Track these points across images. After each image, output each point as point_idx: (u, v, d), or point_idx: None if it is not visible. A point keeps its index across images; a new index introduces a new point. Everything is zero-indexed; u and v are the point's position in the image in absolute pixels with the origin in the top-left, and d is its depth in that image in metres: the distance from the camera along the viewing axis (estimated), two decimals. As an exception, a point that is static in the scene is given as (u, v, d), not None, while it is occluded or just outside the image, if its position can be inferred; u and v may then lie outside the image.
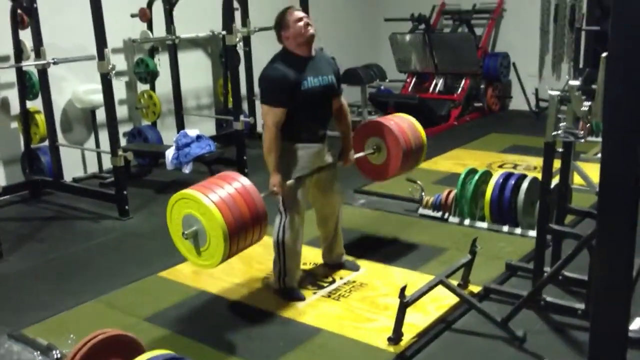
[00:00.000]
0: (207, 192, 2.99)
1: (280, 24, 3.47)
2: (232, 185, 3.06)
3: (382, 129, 3.94)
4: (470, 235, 3.98)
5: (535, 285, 3.28)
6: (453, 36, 8.63)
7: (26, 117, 5.64)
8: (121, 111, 6.37)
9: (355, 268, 3.96)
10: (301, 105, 3.41)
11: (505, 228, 4.45)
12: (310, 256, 4.06)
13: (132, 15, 6.37)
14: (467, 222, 4.61)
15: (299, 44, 3.43)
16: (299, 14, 3.46)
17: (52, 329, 3.43)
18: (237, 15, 6.57)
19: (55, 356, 3.09)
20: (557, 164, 3.33)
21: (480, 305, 3.25)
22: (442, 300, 3.45)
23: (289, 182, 3.44)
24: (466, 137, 7.27)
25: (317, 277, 3.88)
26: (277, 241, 3.58)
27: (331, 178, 3.72)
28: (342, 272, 3.92)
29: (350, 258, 4.05)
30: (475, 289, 3.62)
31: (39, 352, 3.15)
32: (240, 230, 2.99)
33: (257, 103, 7.31)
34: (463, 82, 8.30)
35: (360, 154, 3.95)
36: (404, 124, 4.00)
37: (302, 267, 3.90)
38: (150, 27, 6.45)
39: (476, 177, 4.57)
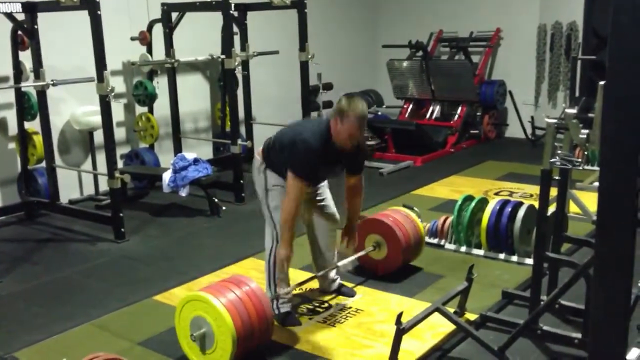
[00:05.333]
0: (218, 296, 3.06)
1: (341, 113, 3.24)
2: (241, 290, 3.14)
3: (381, 226, 4.14)
4: (467, 262, 3.97)
5: (531, 314, 3.27)
6: (450, 63, 8.71)
7: (24, 138, 5.65)
8: (119, 133, 6.38)
9: (352, 294, 3.94)
10: None
11: (502, 255, 4.44)
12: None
13: (132, 39, 6.42)
14: (463, 249, 4.61)
15: (338, 142, 3.32)
16: (355, 130, 3.23)
17: (45, 353, 3.39)
18: (237, 39, 6.63)
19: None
20: (553, 192, 3.34)
21: (476, 333, 3.23)
22: (438, 328, 3.43)
23: (289, 288, 3.57)
24: (463, 164, 7.29)
25: (312, 303, 3.86)
26: (268, 267, 3.59)
27: (324, 204, 3.71)
28: (338, 298, 3.90)
29: (346, 284, 4.03)
30: (471, 316, 3.60)
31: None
32: (248, 335, 3.07)
33: (255, 127, 7.38)
34: (460, 109, 8.36)
35: (361, 253, 4.12)
36: (403, 220, 4.20)
37: (298, 291, 3.88)
38: (149, 50, 6.50)
39: (473, 204, 4.57)
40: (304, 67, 6.48)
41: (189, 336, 3.13)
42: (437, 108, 8.59)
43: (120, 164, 6.38)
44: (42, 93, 5.41)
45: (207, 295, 3.08)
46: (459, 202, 4.63)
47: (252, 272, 4.29)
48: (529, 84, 8.50)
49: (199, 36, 6.94)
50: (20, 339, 3.53)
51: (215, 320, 3.04)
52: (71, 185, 6.19)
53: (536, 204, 3.42)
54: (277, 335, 3.44)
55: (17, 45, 5.46)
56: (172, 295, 4.03)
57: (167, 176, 5.73)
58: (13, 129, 5.75)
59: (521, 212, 4.36)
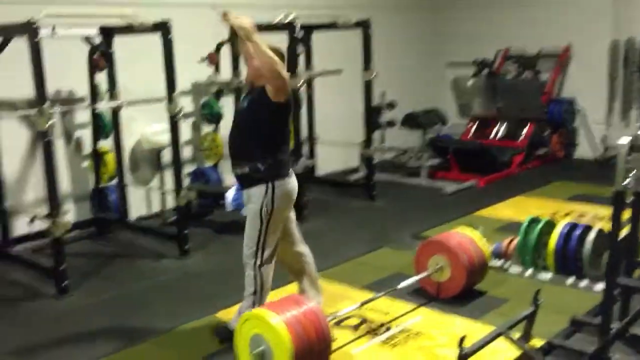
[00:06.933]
0: (277, 315, 3.09)
1: None
2: (300, 309, 3.16)
3: (445, 247, 4.08)
4: (532, 286, 3.85)
5: (601, 343, 3.13)
6: (517, 81, 8.54)
7: (97, 156, 5.87)
8: (185, 152, 6.54)
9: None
10: None
11: (570, 280, 4.29)
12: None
13: (202, 59, 6.59)
14: (529, 272, 4.47)
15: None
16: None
17: (110, 366, 3.49)
18: (300, 58, 6.70)
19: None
20: (626, 214, 3.20)
21: (542, 361, 3.12)
22: (502, 354, 3.33)
23: None
24: (529, 185, 7.10)
25: (371, 324, 3.82)
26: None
27: None
28: (398, 320, 3.86)
29: (405, 305, 3.99)
30: (537, 343, 3.48)
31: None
32: (306, 354, 3.07)
33: (318, 146, 7.42)
34: (527, 128, 8.16)
35: (424, 274, 4.10)
36: (467, 242, 4.13)
37: (357, 311, 3.85)
38: (217, 71, 6.65)
39: (539, 225, 4.44)
40: (368, 86, 6.49)
41: (248, 354, 3.15)
42: (503, 127, 8.42)
43: (185, 181, 6.53)
44: (115, 113, 5.62)
45: (266, 313, 3.10)
46: (525, 224, 4.51)
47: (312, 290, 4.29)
48: (600, 102, 8.21)
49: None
50: (86, 354, 3.64)
51: (273, 339, 3.05)
52: (139, 202, 6.37)
53: (607, 227, 3.29)
54: (335, 356, 3.43)
55: (93, 67, 5.70)
56: (233, 312, 4.07)
57: (230, 194, 5.82)
58: (87, 147, 5.98)
59: (591, 235, 4.21)
